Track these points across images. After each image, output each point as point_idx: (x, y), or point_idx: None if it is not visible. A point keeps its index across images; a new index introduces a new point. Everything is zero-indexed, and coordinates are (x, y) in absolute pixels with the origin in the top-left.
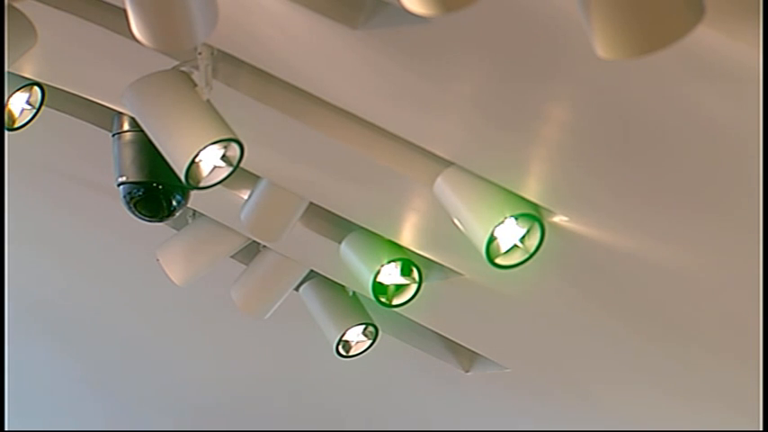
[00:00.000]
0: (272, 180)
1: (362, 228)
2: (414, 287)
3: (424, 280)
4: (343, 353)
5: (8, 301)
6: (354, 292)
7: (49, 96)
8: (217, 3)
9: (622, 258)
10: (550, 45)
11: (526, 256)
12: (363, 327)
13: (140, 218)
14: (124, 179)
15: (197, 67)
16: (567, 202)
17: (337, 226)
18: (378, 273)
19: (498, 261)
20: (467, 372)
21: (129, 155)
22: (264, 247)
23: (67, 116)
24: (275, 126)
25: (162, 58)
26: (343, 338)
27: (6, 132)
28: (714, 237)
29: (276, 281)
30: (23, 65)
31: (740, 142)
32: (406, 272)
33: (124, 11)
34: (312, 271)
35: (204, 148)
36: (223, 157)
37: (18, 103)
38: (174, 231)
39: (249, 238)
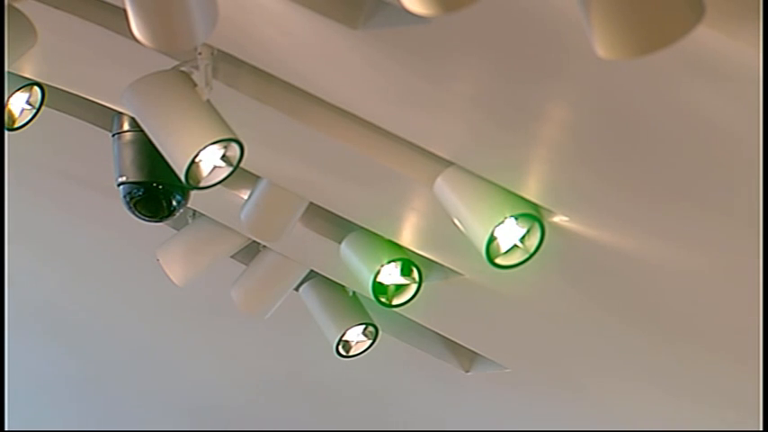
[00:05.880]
0: (272, 180)
1: (362, 228)
2: (414, 287)
3: (424, 280)
4: (343, 353)
5: (8, 301)
6: (354, 292)
7: (49, 96)
8: (217, 3)
9: (623, 258)
10: (550, 45)
11: (526, 256)
12: (363, 327)
13: (140, 218)
14: (124, 179)
15: (197, 67)
16: (567, 202)
17: (337, 226)
18: (378, 273)
19: (498, 261)
20: (467, 372)
21: (129, 155)
22: (264, 247)
23: (67, 116)
24: (275, 126)
25: (162, 58)
26: (343, 338)
27: (6, 132)
28: (714, 236)
29: (276, 281)
30: (23, 65)
31: (740, 142)
32: (406, 272)
33: (124, 11)
34: (312, 271)
35: (204, 148)
36: (223, 157)
37: (18, 103)
38: (174, 231)
39: (249, 238)
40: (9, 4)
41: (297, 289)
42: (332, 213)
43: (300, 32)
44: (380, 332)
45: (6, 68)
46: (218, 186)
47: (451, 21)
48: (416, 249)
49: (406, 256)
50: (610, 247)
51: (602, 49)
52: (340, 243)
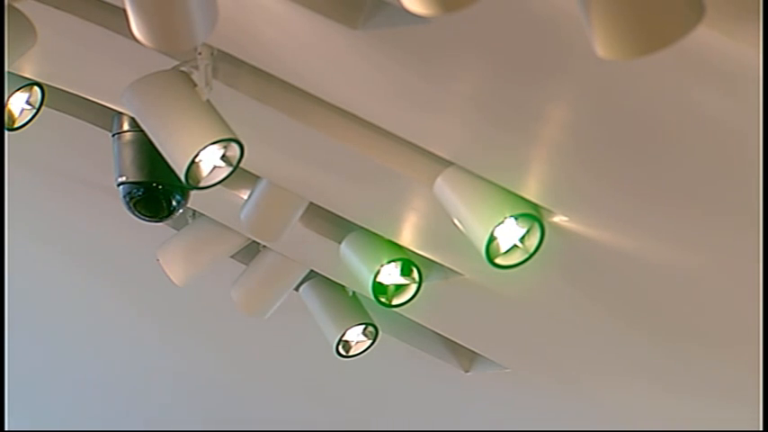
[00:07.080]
0: (272, 180)
1: (362, 228)
2: (414, 287)
3: (424, 280)
4: (343, 353)
5: (8, 301)
6: (354, 292)
7: (49, 96)
8: (217, 3)
9: (622, 258)
10: (550, 45)
11: (526, 256)
12: (363, 327)
13: (140, 218)
14: (124, 179)
15: (197, 67)
16: (566, 202)
17: (337, 226)
18: (378, 273)
19: (498, 261)
20: (467, 372)
21: (128, 155)
22: (264, 247)
23: (67, 116)
24: (275, 126)
25: (162, 58)
26: (343, 338)
27: (6, 132)
28: (714, 236)
29: (276, 281)
30: (23, 65)
31: (740, 142)
32: (406, 272)
33: (124, 11)
34: (312, 271)
35: (204, 148)
36: (223, 157)
37: (18, 103)
38: (174, 231)
39: (249, 238)
40: (9, 4)
41: (297, 289)
42: (332, 213)
43: (300, 32)
44: (380, 332)
45: (6, 68)
46: (218, 186)
47: (451, 21)
48: (416, 249)
49: (406, 256)
50: (610, 247)
51: (601, 50)
52: (340, 243)
